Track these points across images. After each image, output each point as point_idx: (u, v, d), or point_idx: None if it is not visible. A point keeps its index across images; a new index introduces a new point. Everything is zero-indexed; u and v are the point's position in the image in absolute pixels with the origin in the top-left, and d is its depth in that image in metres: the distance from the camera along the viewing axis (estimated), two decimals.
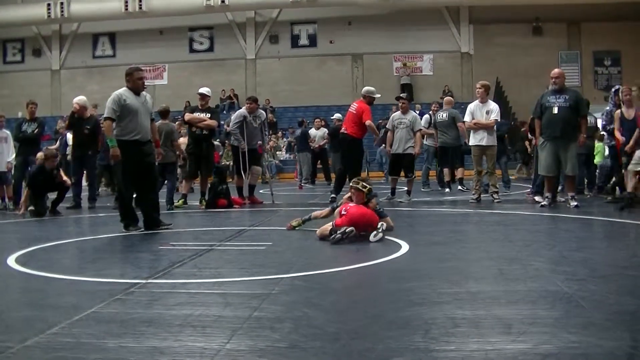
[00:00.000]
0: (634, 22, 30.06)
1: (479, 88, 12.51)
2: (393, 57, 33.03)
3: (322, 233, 7.56)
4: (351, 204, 7.79)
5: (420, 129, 13.28)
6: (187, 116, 12.89)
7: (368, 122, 12.62)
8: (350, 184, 8.19)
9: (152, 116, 9.26)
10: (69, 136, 14.67)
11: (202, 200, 12.65)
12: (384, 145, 18.94)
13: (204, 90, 13.02)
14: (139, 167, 8.84)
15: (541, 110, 11.20)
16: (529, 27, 31.93)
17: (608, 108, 12.97)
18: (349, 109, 12.92)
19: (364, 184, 7.94)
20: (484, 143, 12.12)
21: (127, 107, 8.71)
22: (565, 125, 10.91)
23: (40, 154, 12.55)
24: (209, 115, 12.65)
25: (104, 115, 8.86)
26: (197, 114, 12.69)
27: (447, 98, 17.89)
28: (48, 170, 11.68)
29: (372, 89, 12.98)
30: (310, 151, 21.23)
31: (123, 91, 8.86)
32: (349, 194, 8.11)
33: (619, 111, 11.29)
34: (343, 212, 7.67)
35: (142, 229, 8.86)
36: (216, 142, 18.83)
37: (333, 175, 16.64)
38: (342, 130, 12.90)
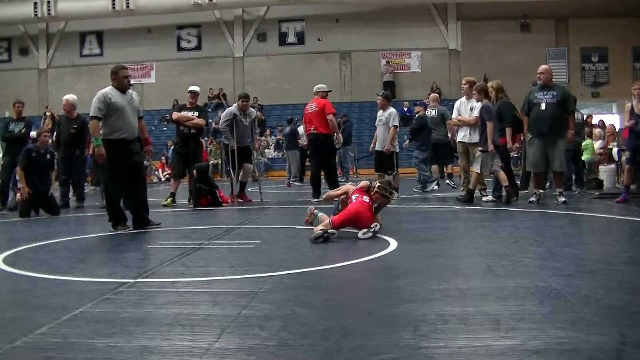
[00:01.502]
0: (621, 19, 30.21)
1: (464, 84, 12.54)
2: (381, 55, 33.07)
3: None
4: (364, 197, 7.74)
5: (396, 125, 12.96)
6: (175, 115, 12.87)
7: (330, 117, 12.52)
8: (377, 188, 7.90)
9: (140, 114, 9.20)
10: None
11: (191, 199, 12.67)
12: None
13: (195, 88, 13.01)
14: (126, 166, 8.80)
15: (529, 107, 11.23)
16: (517, 24, 32.03)
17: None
18: (307, 111, 12.77)
19: (392, 191, 8.04)
20: (466, 140, 12.14)
21: (112, 105, 8.64)
22: (553, 121, 10.93)
23: None
24: (197, 113, 12.63)
25: (90, 114, 8.76)
26: (185, 112, 12.68)
27: (433, 95, 17.86)
28: (41, 148, 11.69)
29: (323, 85, 13.02)
30: (298, 149, 21.17)
31: (109, 90, 8.81)
32: (363, 185, 7.99)
33: (629, 104, 11.29)
34: (352, 198, 7.74)
35: (131, 229, 8.84)
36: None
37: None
38: (312, 130, 12.71)
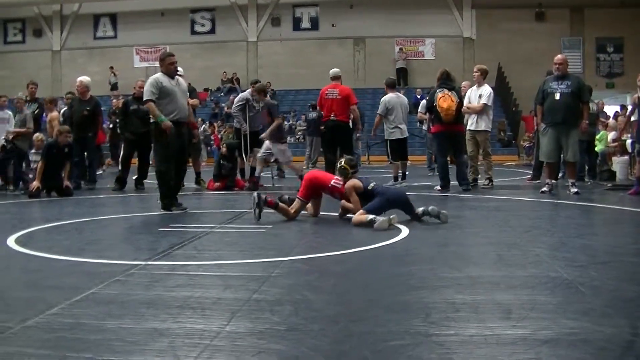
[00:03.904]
0: (637, 9, 29.95)
1: (476, 72, 12.50)
2: (395, 41, 32.93)
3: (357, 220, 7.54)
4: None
5: (378, 114, 13.23)
6: None
7: (354, 107, 12.62)
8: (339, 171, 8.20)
9: (187, 99, 9.62)
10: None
11: (201, 182, 12.74)
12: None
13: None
14: (178, 146, 9.16)
15: (543, 96, 11.18)
16: (532, 13, 31.79)
17: None
18: (328, 96, 12.45)
19: (343, 164, 8.09)
20: (473, 127, 12.12)
21: (164, 89, 9.09)
22: (567, 111, 10.87)
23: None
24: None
25: (144, 98, 9.20)
26: None
27: None
28: (61, 145, 11.73)
29: (337, 69, 12.92)
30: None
31: (159, 75, 9.30)
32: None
33: (636, 95, 11.25)
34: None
35: (187, 209, 9.05)
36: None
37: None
38: (332, 117, 12.39)
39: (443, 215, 7.59)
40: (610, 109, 22.53)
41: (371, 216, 7.31)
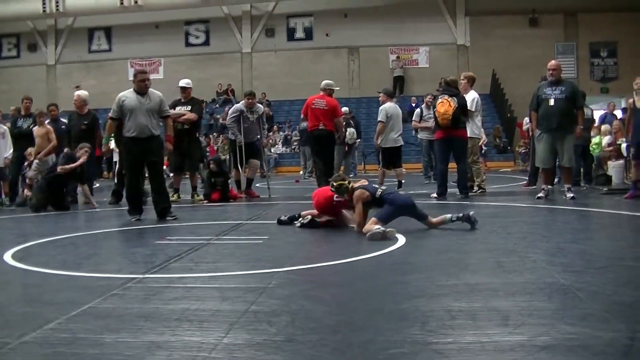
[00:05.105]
0: (631, 13, 30.06)
1: (462, 80, 12.57)
2: (389, 50, 32.99)
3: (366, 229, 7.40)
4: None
5: (380, 121, 13.52)
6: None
7: (340, 119, 12.96)
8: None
9: (165, 113, 9.94)
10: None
11: (194, 195, 12.70)
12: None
13: (183, 82, 12.99)
14: (139, 162, 9.62)
15: (537, 102, 11.20)
16: (526, 19, 31.86)
17: None
18: (314, 106, 12.54)
19: (334, 184, 7.83)
20: None
21: (124, 107, 9.53)
22: (562, 117, 10.91)
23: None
24: (189, 107, 12.62)
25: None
26: (179, 107, 12.64)
27: None
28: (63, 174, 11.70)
29: (332, 82, 12.95)
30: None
31: (126, 92, 9.74)
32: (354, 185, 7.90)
33: (631, 100, 11.28)
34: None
35: (138, 218, 9.48)
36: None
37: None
38: (321, 127, 12.49)
39: (472, 217, 7.69)
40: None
41: (377, 227, 7.15)
